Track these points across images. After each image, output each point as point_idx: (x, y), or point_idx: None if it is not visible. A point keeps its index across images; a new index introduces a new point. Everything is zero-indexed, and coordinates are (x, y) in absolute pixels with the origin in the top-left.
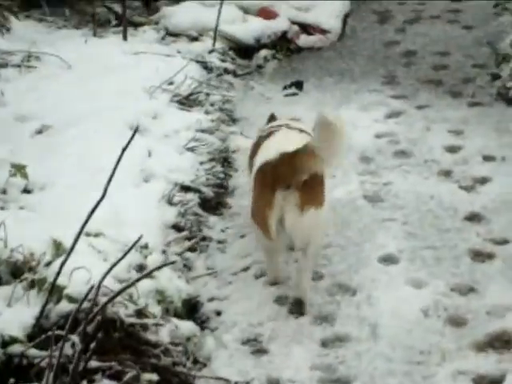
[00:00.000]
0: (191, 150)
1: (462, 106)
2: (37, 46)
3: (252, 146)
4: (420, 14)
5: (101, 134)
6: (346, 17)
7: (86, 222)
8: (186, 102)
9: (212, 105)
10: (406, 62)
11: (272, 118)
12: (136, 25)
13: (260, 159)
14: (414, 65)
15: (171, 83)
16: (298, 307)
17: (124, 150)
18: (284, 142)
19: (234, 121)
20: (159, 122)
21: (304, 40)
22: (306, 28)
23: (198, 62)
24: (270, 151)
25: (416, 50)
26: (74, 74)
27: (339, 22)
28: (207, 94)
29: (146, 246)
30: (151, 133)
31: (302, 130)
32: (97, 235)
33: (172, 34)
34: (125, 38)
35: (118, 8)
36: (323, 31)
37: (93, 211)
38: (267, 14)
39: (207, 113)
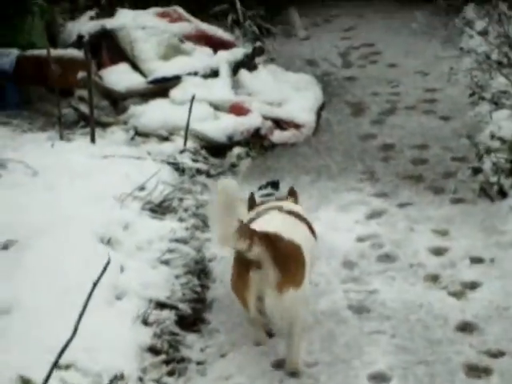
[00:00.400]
0: (165, 262)
1: (444, 203)
2: (0, 152)
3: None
4: (395, 104)
5: (69, 247)
6: (319, 110)
7: (56, 362)
8: (159, 209)
9: (186, 210)
10: (384, 156)
11: (251, 199)
12: (104, 125)
13: None
14: (392, 159)
15: (142, 188)
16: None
17: (95, 284)
18: (268, 224)
19: (208, 226)
20: (131, 233)
21: (278, 136)
22: (279, 123)
23: (169, 163)
24: None
25: (393, 143)
26: (40, 182)
27: (313, 116)
28: (180, 199)
29: (121, 376)
30: (123, 245)
31: (292, 213)
32: (68, 367)
33: (141, 134)
34: (93, 140)
35: (85, 108)
36: (297, 126)
37: (63, 351)
38: (239, 110)
39: (181, 220)
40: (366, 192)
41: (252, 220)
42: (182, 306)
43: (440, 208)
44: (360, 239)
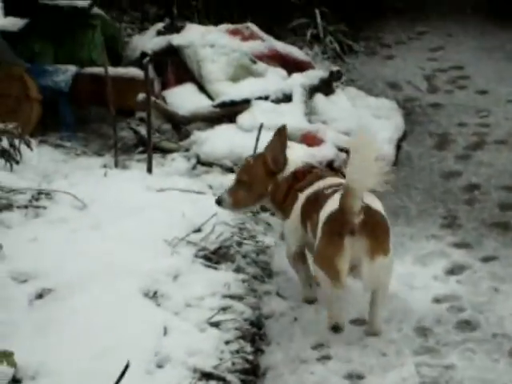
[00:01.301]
0: (216, 324)
1: None
2: (49, 180)
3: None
4: (483, 137)
5: (109, 301)
6: (399, 141)
7: None
8: (214, 256)
9: (244, 257)
10: (469, 198)
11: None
12: (164, 151)
13: (326, 209)
14: (477, 202)
15: (198, 230)
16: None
17: None
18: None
19: (269, 276)
20: (180, 285)
21: None
22: None
23: None
24: (334, 201)
25: (479, 183)
26: (87, 218)
27: (392, 148)
28: (239, 244)
29: None
30: (170, 300)
31: None
32: None
33: (204, 163)
34: (149, 170)
35: (145, 131)
36: None
37: None
38: (311, 140)
39: (238, 270)
40: (446, 241)
41: (328, 192)
42: (230, 377)
43: None
44: (437, 300)
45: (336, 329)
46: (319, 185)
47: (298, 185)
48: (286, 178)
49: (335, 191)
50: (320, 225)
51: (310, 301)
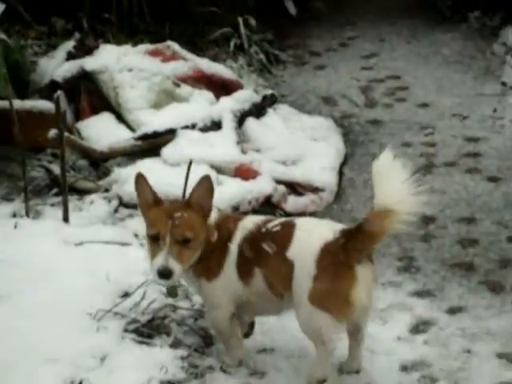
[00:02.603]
0: None
1: (506, 309)
2: None
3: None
4: (431, 159)
5: None
6: (341, 167)
7: None
8: (146, 330)
9: (179, 324)
10: (424, 234)
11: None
12: (81, 192)
13: (309, 242)
14: (434, 238)
15: (126, 294)
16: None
17: None
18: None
19: (209, 344)
20: (109, 371)
21: (293, 203)
22: (294, 187)
23: None
24: (318, 234)
25: (434, 215)
26: None
27: (334, 176)
28: (174, 309)
29: None
30: None
31: None
32: None
33: (127, 205)
34: (65, 219)
35: (58, 169)
36: (316, 190)
37: None
38: (246, 173)
39: (175, 344)
40: (405, 289)
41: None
42: None
43: (501, 316)
44: (405, 368)
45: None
46: (246, 227)
47: (219, 235)
48: (212, 228)
49: (283, 226)
50: (310, 261)
51: (241, 362)
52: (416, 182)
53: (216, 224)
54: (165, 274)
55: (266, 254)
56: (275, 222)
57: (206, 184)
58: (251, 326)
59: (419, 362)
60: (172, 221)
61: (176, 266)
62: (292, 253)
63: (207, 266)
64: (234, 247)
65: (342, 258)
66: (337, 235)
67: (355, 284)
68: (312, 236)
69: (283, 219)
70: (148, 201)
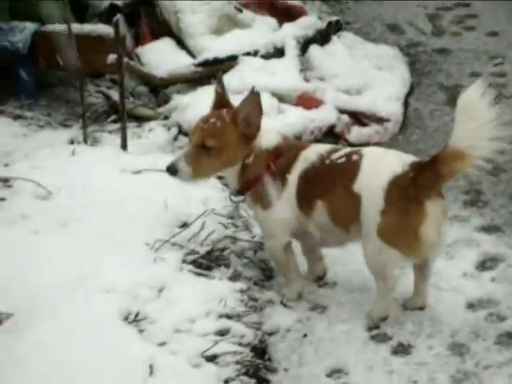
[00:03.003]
0: (212, 358)
1: None
2: (8, 161)
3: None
4: (500, 89)
5: (83, 331)
6: (406, 97)
7: None
8: (205, 261)
9: (240, 256)
10: (493, 167)
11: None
12: (140, 119)
13: (377, 175)
14: (503, 172)
15: (185, 224)
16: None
17: None
18: (385, 156)
19: (270, 278)
20: (166, 303)
21: (357, 134)
22: (358, 117)
23: (220, 177)
24: (386, 166)
25: (503, 148)
26: (51, 213)
27: (400, 106)
28: (234, 240)
29: None
30: (155, 324)
31: None
32: None
33: (187, 134)
34: (124, 147)
35: (117, 95)
36: (380, 120)
37: None
38: (309, 102)
39: (234, 277)
40: (472, 224)
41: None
42: None
43: None
44: (471, 306)
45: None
46: (309, 157)
47: (277, 164)
48: (265, 152)
49: (349, 157)
50: (378, 195)
51: (300, 295)
52: (499, 125)
53: (275, 150)
54: (170, 169)
55: (329, 187)
56: (341, 153)
57: (253, 99)
58: (324, 271)
59: (486, 300)
60: (202, 126)
61: (184, 167)
62: (359, 186)
63: (263, 193)
64: (292, 178)
65: (411, 192)
66: (406, 168)
67: (424, 220)
68: (380, 168)
69: (349, 149)
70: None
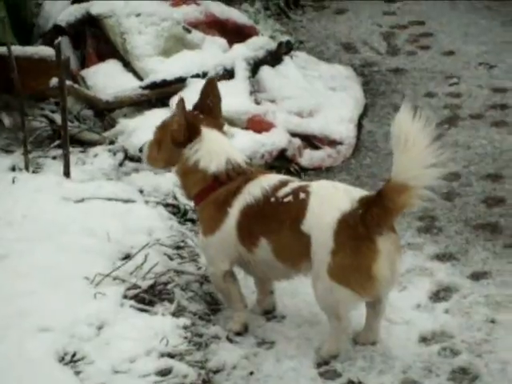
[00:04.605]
0: None
1: None
2: None
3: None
4: (456, 111)
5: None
6: (360, 119)
7: None
8: (147, 296)
9: (184, 289)
10: (447, 191)
11: None
12: (85, 143)
13: (326, 214)
14: (457, 196)
15: (127, 257)
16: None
17: None
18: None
19: (215, 311)
20: (105, 342)
21: (309, 157)
22: (310, 140)
23: (167, 205)
24: (334, 204)
25: (458, 171)
26: None
27: (353, 129)
28: (178, 273)
29: None
30: (93, 365)
31: None
32: None
33: (133, 159)
34: (66, 173)
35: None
36: (333, 143)
37: None
38: (259, 125)
39: (178, 311)
40: (426, 252)
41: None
42: None
43: None
44: (424, 339)
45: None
46: (254, 192)
47: (219, 191)
48: (210, 177)
49: (296, 195)
50: (328, 235)
51: (245, 327)
52: (437, 148)
53: (218, 177)
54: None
55: (275, 226)
56: (287, 189)
57: (178, 106)
58: (273, 305)
59: (439, 333)
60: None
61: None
62: (307, 226)
63: (204, 218)
64: (233, 211)
65: (361, 230)
66: (355, 205)
67: (377, 257)
68: (328, 207)
69: (296, 184)
70: None
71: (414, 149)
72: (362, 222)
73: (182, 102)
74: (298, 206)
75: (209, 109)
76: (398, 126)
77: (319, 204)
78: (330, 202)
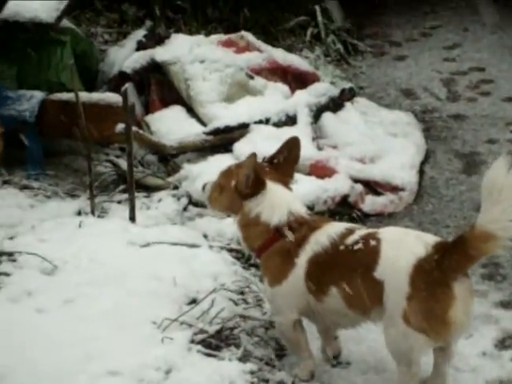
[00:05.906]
0: None
1: None
2: (13, 234)
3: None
4: None
5: None
6: (421, 165)
7: None
8: (214, 341)
9: (250, 334)
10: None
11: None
12: (149, 189)
13: (400, 259)
14: None
15: (193, 301)
16: None
17: None
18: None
19: (281, 357)
20: None
21: (371, 203)
22: (372, 186)
23: (232, 250)
24: (408, 250)
25: None
26: (58, 289)
27: (415, 175)
28: (244, 319)
29: None
30: None
31: None
32: None
33: (197, 204)
34: (132, 218)
35: (126, 164)
36: (395, 189)
37: None
38: (321, 171)
39: (245, 356)
40: (490, 299)
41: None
42: None
43: None
44: None
45: None
46: (321, 240)
47: (284, 242)
48: (272, 229)
49: (366, 241)
50: (403, 280)
51: (312, 374)
52: None
53: (281, 228)
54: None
55: (347, 274)
56: (355, 237)
57: (248, 161)
58: (338, 351)
59: (506, 381)
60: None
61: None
62: (380, 272)
63: (269, 269)
64: (301, 262)
65: (437, 275)
66: (429, 250)
67: (453, 303)
68: (402, 252)
69: (364, 231)
70: None
71: (506, 202)
72: (438, 268)
73: (253, 156)
74: (369, 253)
75: (282, 165)
76: (492, 177)
77: (392, 250)
78: (403, 247)
